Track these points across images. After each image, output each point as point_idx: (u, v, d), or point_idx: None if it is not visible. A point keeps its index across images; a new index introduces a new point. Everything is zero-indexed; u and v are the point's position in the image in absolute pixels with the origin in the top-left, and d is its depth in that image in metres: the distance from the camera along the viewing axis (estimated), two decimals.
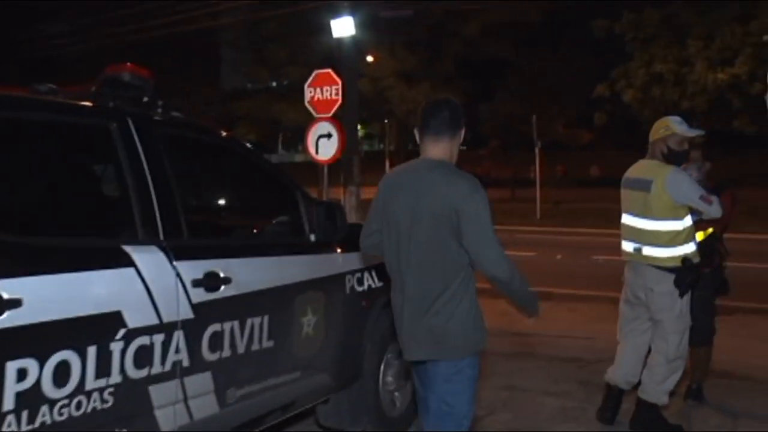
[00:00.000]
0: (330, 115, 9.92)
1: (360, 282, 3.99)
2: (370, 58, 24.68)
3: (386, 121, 30.03)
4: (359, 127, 61.61)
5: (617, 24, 18.09)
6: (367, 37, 21.00)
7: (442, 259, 2.80)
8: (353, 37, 10.44)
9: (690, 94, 16.42)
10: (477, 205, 2.78)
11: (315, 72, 10.13)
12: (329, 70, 9.98)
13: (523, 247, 15.32)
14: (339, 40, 10.29)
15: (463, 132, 3.00)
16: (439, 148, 2.93)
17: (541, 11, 25.13)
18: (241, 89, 32.55)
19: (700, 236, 4.70)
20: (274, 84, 26.90)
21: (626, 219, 4.66)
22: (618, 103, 20.13)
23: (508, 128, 33.09)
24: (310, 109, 10.12)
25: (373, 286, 4.07)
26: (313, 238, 3.74)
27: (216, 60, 41.19)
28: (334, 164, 10.37)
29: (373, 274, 4.08)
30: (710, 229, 4.90)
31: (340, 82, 9.85)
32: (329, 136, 9.89)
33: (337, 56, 10.87)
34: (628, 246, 4.66)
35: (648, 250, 4.48)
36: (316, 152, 10.02)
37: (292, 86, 17.35)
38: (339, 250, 3.94)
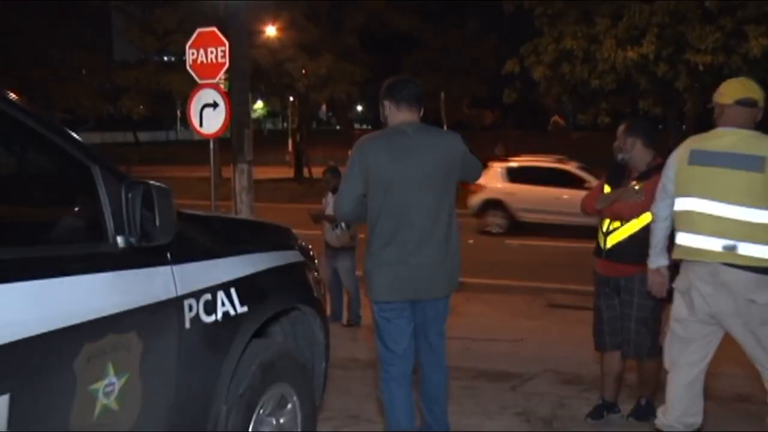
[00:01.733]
0: (216, 81, 8.52)
1: (210, 308, 2.58)
2: (271, 30, 23.12)
3: (290, 98, 28.49)
4: (261, 104, 59.48)
5: None
6: (265, 5, 19.47)
7: (449, 204, 3.41)
8: None
9: (599, 73, 16.01)
10: (466, 144, 3.52)
11: (198, 31, 8.67)
12: (214, 29, 8.54)
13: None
14: None
15: None
16: (415, 116, 3.46)
17: None
18: (131, 60, 30.03)
19: None
20: (161, 53, 24.77)
21: (708, 207, 3.31)
22: (525, 80, 19.63)
23: None
24: (193, 73, 8.67)
25: (234, 312, 2.67)
26: (121, 242, 2.32)
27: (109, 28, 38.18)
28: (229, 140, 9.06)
29: (234, 292, 2.67)
30: None
31: (227, 43, 8.45)
32: (215, 105, 8.49)
33: (224, 14, 9.43)
34: (711, 243, 3.28)
35: (747, 248, 3.22)
36: (200, 124, 8.61)
37: (181, 55, 15.67)
38: (170, 260, 2.49)
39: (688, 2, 15.13)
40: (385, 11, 24.26)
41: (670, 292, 3.85)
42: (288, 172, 29.31)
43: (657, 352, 4.05)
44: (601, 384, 4.37)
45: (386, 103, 3.45)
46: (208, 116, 8.54)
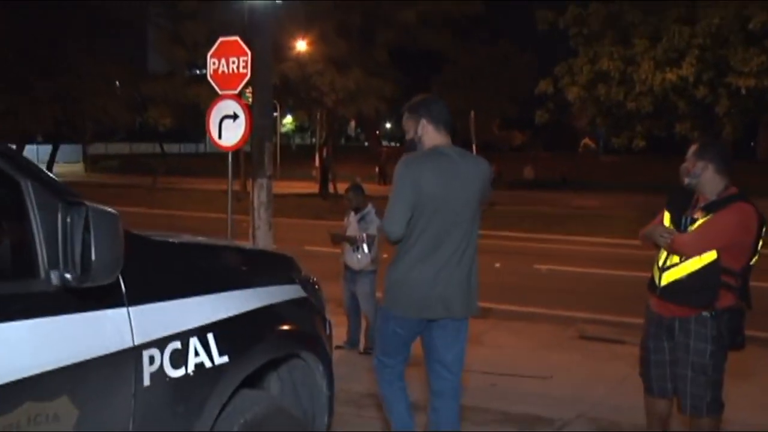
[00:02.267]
0: (236, 92, 8.25)
1: (178, 359, 2.04)
2: (301, 44, 22.98)
3: (318, 113, 28.25)
4: (290, 119, 59.65)
5: (561, 18, 16.99)
6: (295, 18, 19.29)
7: (477, 228, 3.55)
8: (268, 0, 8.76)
9: (636, 95, 15.48)
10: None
11: (220, 40, 8.42)
12: (236, 38, 8.28)
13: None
14: (249, 3, 8.60)
15: None
16: (449, 138, 3.54)
17: (482, 1, 23.93)
18: (159, 71, 30.14)
19: None
20: (191, 66, 24.72)
21: None
22: (558, 101, 19.15)
23: None
24: (213, 84, 8.41)
25: (211, 363, 2.16)
26: (56, 279, 1.80)
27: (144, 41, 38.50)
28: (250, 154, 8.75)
29: (212, 338, 2.15)
30: None
31: (249, 53, 8.17)
32: (234, 117, 8.22)
33: (248, 23, 9.15)
34: None
35: None
36: (219, 136, 8.32)
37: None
38: (125, 301, 1.98)
39: (731, 24, 14.60)
40: (417, 27, 23.94)
41: (740, 341, 3.44)
42: (314, 188, 29.10)
43: (718, 408, 3.56)
44: (646, 424, 3.88)
45: (423, 121, 3.47)
46: (228, 128, 8.25)
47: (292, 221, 19.26)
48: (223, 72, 8.30)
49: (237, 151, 20.85)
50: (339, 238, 6.56)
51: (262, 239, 8.74)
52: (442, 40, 25.12)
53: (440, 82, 27.92)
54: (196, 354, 2.08)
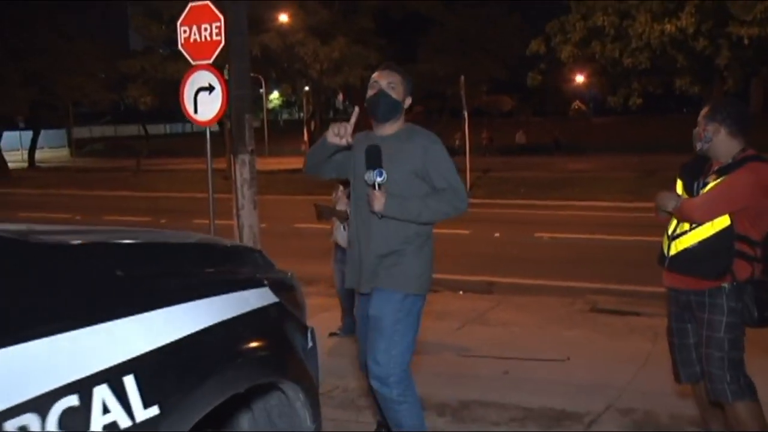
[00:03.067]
0: (210, 61, 7.59)
1: (76, 421, 1.33)
2: (282, 15, 22.09)
3: (305, 87, 27.38)
4: (277, 94, 58.95)
5: None
6: None
7: None
8: None
9: (632, 50, 14.83)
10: None
11: (189, 5, 7.73)
12: (207, 2, 7.59)
13: (456, 224, 13.17)
14: None
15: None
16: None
17: None
18: (139, 48, 29.12)
19: None
20: (169, 42, 23.73)
21: None
22: (551, 62, 18.48)
23: (431, 92, 31.15)
24: (185, 54, 7.75)
25: (131, 420, 1.43)
26: None
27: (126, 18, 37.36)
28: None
29: (130, 384, 1.43)
30: None
31: (222, 18, 7.51)
32: (210, 89, 7.59)
33: None
34: None
35: None
36: (195, 111, 7.69)
37: None
38: None
39: None
40: None
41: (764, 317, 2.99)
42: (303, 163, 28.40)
43: (743, 391, 3.10)
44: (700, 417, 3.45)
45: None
46: (203, 101, 7.62)
47: (282, 198, 18.67)
48: (195, 40, 7.64)
49: (222, 125, 20.14)
50: (326, 213, 5.94)
51: (247, 218, 8.17)
52: (429, 3, 24.26)
53: (428, 47, 27.05)
54: (106, 410, 1.35)
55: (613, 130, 38.76)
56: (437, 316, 6.66)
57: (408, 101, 3.15)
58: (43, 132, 48.79)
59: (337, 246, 5.89)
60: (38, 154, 42.89)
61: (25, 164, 33.92)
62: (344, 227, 5.67)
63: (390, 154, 2.99)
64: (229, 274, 1.90)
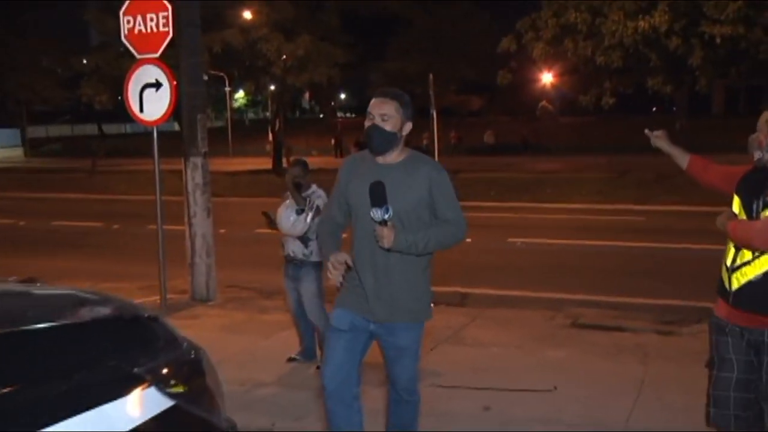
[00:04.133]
0: (157, 55, 6.90)
1: None
2: (247, 15, 21.30)
3: (271, 86, 26.49)
4: (242, 93, 57.73)
5: None
6: None
7: None
8: None
9: (605, 48, 14.45)
10: None
11: None
12: None
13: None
14: None
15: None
16: None
17: None
18: (95, 44, 27.92)
19: None
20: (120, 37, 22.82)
21: None
22: (521, 59, 18.05)
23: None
24: (129, 46, 7.06)
25: None
26: None
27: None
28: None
29: None
30: None
31: (169, 7, 6.83)
32: (157, 85, 6.89)
33: None
34: None
35: None
36: (140, 110, 6.99)
37: None
38: None
39: None
40: None
41: None
42: (269, 164, 27.68)
43: None
44: None
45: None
46: (150, 99, 6.94)
47: (245, 200, 17.90)
48: (140, 31, 6.95)
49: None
50: (290, 190, 5.10)
51: (200, 227, 7.51)
52: (398, 2, 23.68)
53: (396, 46, 26.47)
54: None
55: (581, 131, 38.69)
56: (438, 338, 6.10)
57: (407, 127, 3.05)
58: None
59: (288, 260, 5.23)
60: None
61: None
62: (298, 213, 5.00)
63: (394, 184, 2.93)
64: (85, 373, 1.19)
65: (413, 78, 24.42)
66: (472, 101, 56.27)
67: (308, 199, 5.02)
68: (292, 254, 5.13)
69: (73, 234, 13.32)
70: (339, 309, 3.12)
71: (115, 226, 13.75)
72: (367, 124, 3.01)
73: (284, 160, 26.44)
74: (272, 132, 28.27)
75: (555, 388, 4.54)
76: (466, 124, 39.39)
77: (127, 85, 7.01)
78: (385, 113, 2.97)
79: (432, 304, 3.26)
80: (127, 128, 53.91)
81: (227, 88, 39.54)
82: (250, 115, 67.91)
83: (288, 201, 5.13)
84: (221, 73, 26.31)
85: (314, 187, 5.19)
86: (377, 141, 2.99)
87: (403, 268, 3.01)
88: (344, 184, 3.13)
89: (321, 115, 60.77)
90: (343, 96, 65.15)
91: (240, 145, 40.87)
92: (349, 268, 2.97)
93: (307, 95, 63.30)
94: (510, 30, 16.99)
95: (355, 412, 3.12)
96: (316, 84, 25.28)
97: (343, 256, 2.96)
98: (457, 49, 26.73)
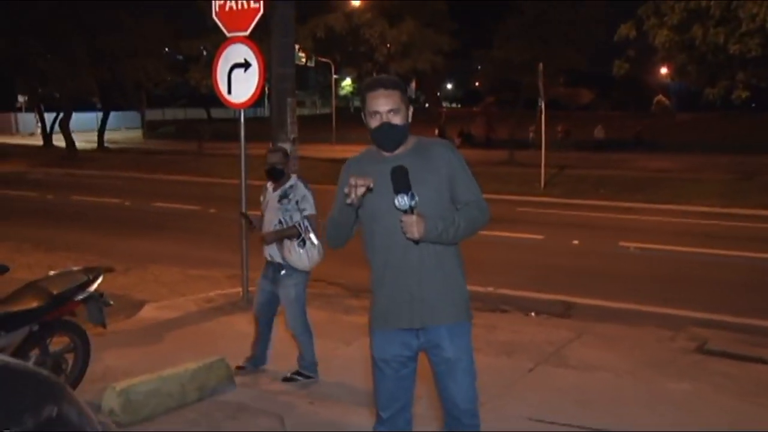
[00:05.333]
0: (247, 33, 6.52)
1: None
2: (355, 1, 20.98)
3: (374, 73, 26.12)
4: (348, 81, 58.15)
5: None
6: None
7: None
8: None
9: (741, 35, 12.94)
10: None
11: None
12: None
13: (529, 227, 11.99)
14: None
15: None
16: None
17: None
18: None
19: None
20: None
21: None
22: (640, 48, 16.68)
23: (504, 81, 29.53)
24: (219, 24, 6.72)
25: None
26: None
27: None
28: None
29: None
30: None
31: None
32: (246, 65, 6.52)
33: None
34: None
35: None
36: (228, 91, 6.65)
37: None
38: None
39: None
40: None
41: None
42: None
43: None
44: None
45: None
46: (238, 79, 6.58)
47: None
48: (230, 8, 6.60)
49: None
50: (273, 237, 4.51)
51: None
52: None
53: (503, 33, 25.35)
54: None
55: (700, 127, 36.07)
56: (504, 349, 5.43)
57: (410, 113, 2.80)
58: (121, 113, 49.76)
59: (270, 263, 4.67)
60: (115, 135, 43.57)
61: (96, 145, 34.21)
62: (299, 245, 4.41)
63: (411, 173, 2.62)
64: None
65: (521, 67, 23.29)
66: (581, 94, 53.90)
67: (298, 225, 4.45)
68: (269, 258, 4.63)
69: (171, 216, 13.45)
70: (377, 333, 2.83)
71: (212, 210, 13.76)
72: (373, 123, 2.72)
73: None
74: None
75: None
76: (575, 118, 37.65)
77: (216, 64, 6.69)
78: (392, 107, 2.71)
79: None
80: (235, 113, 55.50)
81: (335, 76, 39.73)
82: (356, 102, 68.25)
83: (274, 204, 4.59)
84: (328, 60, 26.18)
85: (294, 178, 4.67)
86: (392, 139, 2.74)
87: (438, 263, 2.74)
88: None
89: (426, 105, 60.16)
90: (449, 86, 64.26)
91: (344, 131, 41.04)
92: (369, 190, 2.59)
93: (413, 84, 62.93)
94: (628, 16, 15.66)
95: None
96: (420, 72, 24.69)
97: (368, 179, 2.59)
98: (568, 38, 25.22)
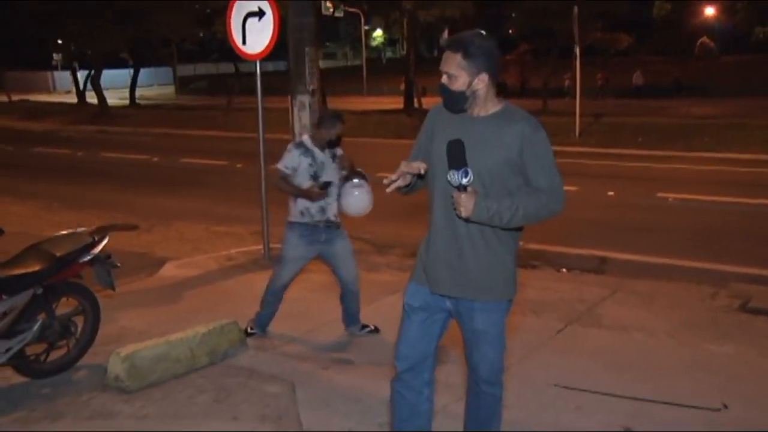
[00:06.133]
0: None
1: None
2: None
3: (404, 22, 25.29)
4: (380, 32, 57.26)
5: None
6: None
7: None
8: None
9: None
10: None
11: None
12: None
13: (563, 178, 11.46)
14: None
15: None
16: None
17: None
18: None
19: None
20: None
21: None
22: None
23: (537, 29, 28.48)
24: None
25: None
26: None
27: None
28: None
29: None
30: None
31: None
32: (260, 14, 6.22)
33: None
34: None
35: None
36: (243, 42, 6.38)
37: None
38: None
39: None
40: None
41: None
42: (401, 103, 26.94)
43: None
44: None
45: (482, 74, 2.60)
46: (253, 29, 6.29)
47: (372, 141, 17.37)
48: None
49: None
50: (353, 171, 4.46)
51: None
52: None
53: None
54: None
55: (746, 71, 34.50)
56: (532, 308, 5.19)
57: (482, 79, 2.55)
58: (153, 70, 49.89)
59: (329, 225, 4.45)
60: (148, 92, 43.76)
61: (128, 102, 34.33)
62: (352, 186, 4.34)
63: (480, 140, 2.54)
64: None
65: (556, 14, 22.34)
66: (619, 39, 51.95)
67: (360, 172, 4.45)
68: (333, 218, 4.45)
69: (198, 172, 13.36)
70: (413, 283, 2.78)
71: (239, 165, 13.63)
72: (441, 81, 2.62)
73: (415, 101, 25.54)
74: (406, 71, 27.43)
75: (725, 406, 3.47)
76: (612, 64, 36.35)
77: (230, 14, 6.40)
78: (448, 71, 2.56)
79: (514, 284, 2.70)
80: (270, 66, 55.14)
81: (364, 27, 38.91)
82: (388, 53, 67.09)
83: (330, 164, 4.44)
84: (356, 11, 25.49)
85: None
86: (446, 101, 2.63)
87: (484, 241, 2.59)
88: (427, 138, 2.72)
89: None
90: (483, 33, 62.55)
91: (375, 84, 40.42)
92: (420, 176, 2.57)
93: (445, 34, 61.37)
94: None
95: (424, 400, 2.80)
96: (450, 20, 23.92)
97: (418, 164, 2.52)
98: None
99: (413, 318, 2.75)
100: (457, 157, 2.46)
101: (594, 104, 21.50)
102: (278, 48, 6.37)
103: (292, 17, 6.52)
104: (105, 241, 4.08)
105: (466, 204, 2.43)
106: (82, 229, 4.21)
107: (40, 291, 3.77)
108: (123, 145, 18.18)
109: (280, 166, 4.39)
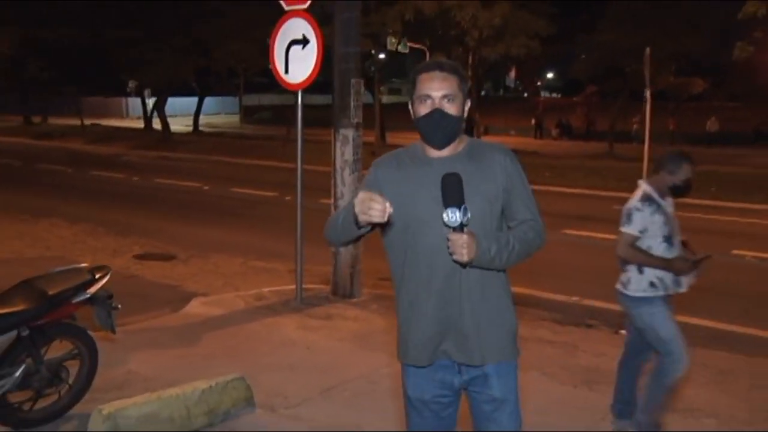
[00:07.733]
0: (305, 6, 5.87)
1: None
2: None
3: (469, 59, 24.99)
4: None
5: None
6: None
7: None
8: None
9: None
10: None
11: None
12: None
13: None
14: None
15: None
16: None
17: None
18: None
19: None
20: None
21: None
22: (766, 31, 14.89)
23: (609, 69, 27.62)
24: None
25: None
26: None
27: None
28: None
29: None
30: None
31: None
32: (304, 42, 5.88)
33: None
34: None
35: None
36: (286, 70, 6.04)
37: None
38: None
39: None
40: None
41: None
42: None
43: None
44: None
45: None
46: (296, 58, 5.95)
47: None
48: None
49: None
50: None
51: None
52: None
53: (609, 17, 23.58)
54: None
55: None
56: (585, 377, 4.56)
57: (467, 105, 2.38)
58: (221, 98, 51.10)
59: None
60: (214, 120, 44.68)
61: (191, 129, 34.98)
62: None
63: (464, 181, 2.28)
64: None
65: (627, 54, 21.56)
66: (693, 83, 50.37)
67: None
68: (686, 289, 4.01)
69: (246, 202, 13.17)
70: (411, 369, 2.40)
71: (288, 198, 13.35)
72: (422, 110, 2.30)
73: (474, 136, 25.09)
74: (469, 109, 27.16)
75: None
76: (685, 110, 35.08)
77: (273, 41, 6.09)
78: (448, 93, 2.29)
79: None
80: (320, 99, 56.02)
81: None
82: None
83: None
84: (421, 46, 25.37)
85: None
86: (444, 131, 2.31)
87: (482, 291, 2.33)
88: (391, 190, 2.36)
89: (525, 94, 58.13)
90: (550, 75, 61.93)
91: None
92: (387, 223, 2.19)
93: (513, 73, 60.82)
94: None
95: None
96: (515, 58, 23.46)
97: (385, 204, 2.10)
98: (681, 20, 23.08)
99: (425, 414, 2.43)
100: (454, 193, 2.18)
101: (663, 150, 20.52)
102: (330, 79, 6.04)
103: (338, 47, 6.15)
104: (105, 279, 3.71)
105: (468, 246, 2.15)
106: (83, 264, 3.86)
107: (25, 332, 3.40)
108: (179, 171, 18.27)
109: (631, 230, 3.70)
